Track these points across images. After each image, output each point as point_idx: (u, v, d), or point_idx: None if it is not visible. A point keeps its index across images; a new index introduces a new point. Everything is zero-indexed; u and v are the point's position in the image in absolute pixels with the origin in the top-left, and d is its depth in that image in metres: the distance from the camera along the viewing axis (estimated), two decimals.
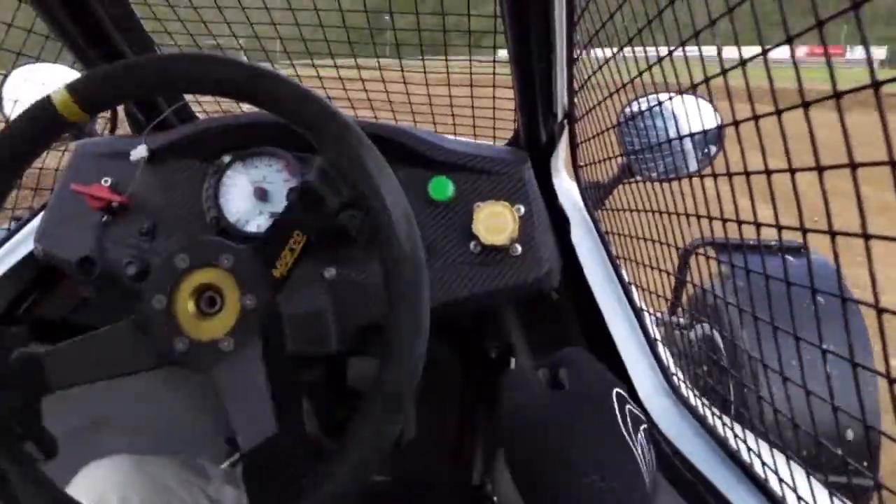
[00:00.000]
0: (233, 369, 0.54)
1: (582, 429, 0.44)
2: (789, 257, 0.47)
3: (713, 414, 0.70)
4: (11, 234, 1.05)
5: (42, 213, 0.97)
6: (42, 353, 0.56)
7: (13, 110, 1.08)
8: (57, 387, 0.57)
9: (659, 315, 0.88)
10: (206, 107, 1.15)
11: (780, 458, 0.56)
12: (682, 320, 1.07)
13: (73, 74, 1.10)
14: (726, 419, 0.67)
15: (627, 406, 0.46)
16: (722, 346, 1.03)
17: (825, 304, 0.45)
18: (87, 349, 0.57)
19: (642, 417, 0.46)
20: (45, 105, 0.54)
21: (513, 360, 1.27)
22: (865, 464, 0.50)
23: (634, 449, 0.43)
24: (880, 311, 0.34)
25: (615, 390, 0.46)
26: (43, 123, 0.54)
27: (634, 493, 0.41)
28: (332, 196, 0.54)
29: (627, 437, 0.43)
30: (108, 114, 1.10)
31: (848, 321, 0.38)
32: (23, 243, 1.03)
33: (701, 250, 0.65)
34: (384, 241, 0.51)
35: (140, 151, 0.92)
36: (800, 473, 0.53)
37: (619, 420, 0.44)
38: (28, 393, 0.56)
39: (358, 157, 0.52)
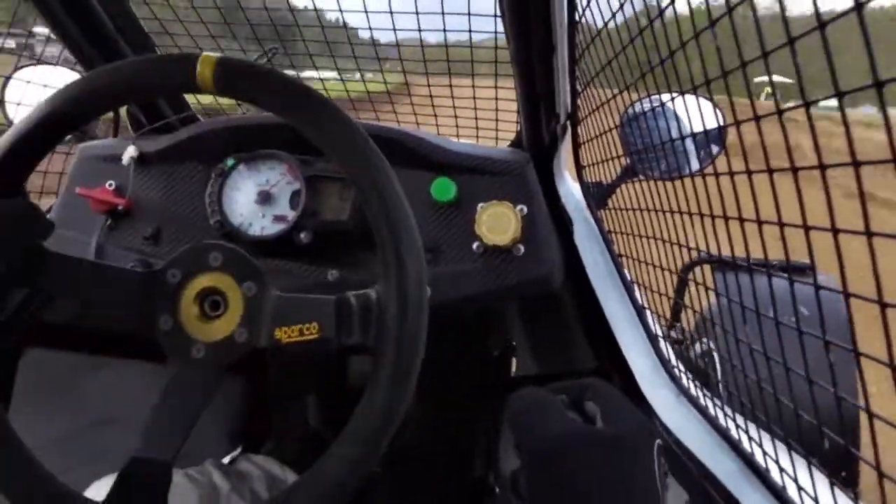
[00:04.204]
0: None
1: (621, 480, 0.42)
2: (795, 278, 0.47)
3: (714, 405, 0.71)
4: None
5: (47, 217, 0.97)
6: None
7: (16, 113, 1.08)
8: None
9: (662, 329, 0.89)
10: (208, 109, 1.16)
11: (782, 449, 0.57)
12: (679, 335, 1.08)
13: (73, 76, 1.10)
14: (728, 410, 0.68)
15: (661, 458, 0.43)
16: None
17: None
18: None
19: (667, 467, 0.44)
20: (187, 60, 0.54)
21: (514, 360, 1.28)
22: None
23: None
24: (884, 306, 0.35)
25: (657, 442, 0.43)
26: (175, 77, 0.55)
27: None
28: (357, 332, 0.54)
29: (660, 492, 0.42)
30: (110, 116, 1.10)
31: (850, 317, 0.39)
32: None
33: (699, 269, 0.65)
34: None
35: (130, 153, 0.92)
36: (800, 464, 0.54)
37: (658, 477, 0.42)
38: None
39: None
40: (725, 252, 0.55)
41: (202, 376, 0.54)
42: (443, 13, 0.98)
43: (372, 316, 0.53)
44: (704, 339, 1.09)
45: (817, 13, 0.36)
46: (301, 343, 0.55)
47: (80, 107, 0.56)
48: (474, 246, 0.86)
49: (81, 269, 0.56)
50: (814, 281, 0.43)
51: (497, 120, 1.11)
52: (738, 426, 0.65)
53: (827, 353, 0.45)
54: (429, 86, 1.10)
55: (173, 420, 0.54)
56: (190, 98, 1.11)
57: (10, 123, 1.08)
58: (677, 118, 0.64)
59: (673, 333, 1.05)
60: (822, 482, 0.52)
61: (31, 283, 0.55)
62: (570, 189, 0.97)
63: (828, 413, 0.48)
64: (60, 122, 0.55)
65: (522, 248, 0.85)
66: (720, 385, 0.72)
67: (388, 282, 0.52)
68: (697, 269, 0.81)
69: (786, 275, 0.47)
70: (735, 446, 0.66)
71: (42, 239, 0.56)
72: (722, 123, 0.69)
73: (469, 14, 0.97)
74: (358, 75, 1.20)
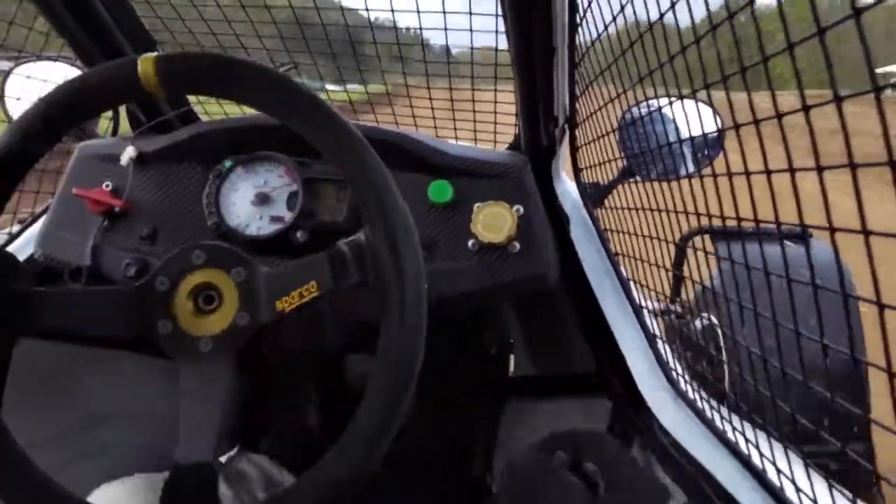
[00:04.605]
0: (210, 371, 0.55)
1: None
2: (789, 243, 0.47)
3: (711, 408, 0.71)
4: (13, 237, 1.05)
5: (44, 218, 0.97)
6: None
7: (15, 108, 1.08)
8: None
9: (658, 306, 0.89)
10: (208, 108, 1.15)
11: (779, 450, 0.57)
12: (679, 309, 1.08)
13: (74, 72, 1.09)
14: (724, 412, 0.68)
15: None
16: (721, 335, 1.04)
17: (825, 298, 0.45)
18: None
19: None
20: (127, 66, 0.54)
21: (511, 357, 1.28)
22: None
23: None
24: (882, 307, 0.35)
25: None
26: (118, 83, 0.55)
27: None
28: (356, 272, 0.55)
29: None
30: (109, 115, 1.10)
31: (850, 317, 0.39)
32: (25, 247, 1.02)
33: (698, 238, 0.65)
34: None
35: (129, 153, 0.92)
36: (798, 464, 0.54)
37: None
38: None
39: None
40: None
41: (218, 368, 0.55)
42: (444, 12, 0.99)
43: (366, 257, 0.54)
44: (704, 315, 1.09)
45: (816, 18, 0.36)
46: (304, 305, 0.55)
47: (34, 139, 0.56)
48: (470, 243, 0.87)
49: (67, 302, 0.57)
50: (807, 252, 0.43)
51: (496, 123, 1.11)
52: (735, 428, 0.65)
53: (825, 356, 0.45)
54: (429, 88, 1.10)
55: (204, 418, 0.54)
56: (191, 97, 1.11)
57: (10, 119, 1.08)
58: (675, 122, 0.64)
59: (674, 307, 1.05)
60: (819, 483, 0.53)
61: (18, 329, 0.55)
62: (568, 190, 0.98)
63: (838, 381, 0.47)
64: (22, 154, 0.56)
65: (518, 246, 0.85)
66: (723, 364, 0.72)
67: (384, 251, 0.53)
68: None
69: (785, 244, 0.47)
70: (732, 448, 0.66)
71: (24, 282, 0.57)
72: (720, 127, 0.70)
73: (470, 13, 0.98)
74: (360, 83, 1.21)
